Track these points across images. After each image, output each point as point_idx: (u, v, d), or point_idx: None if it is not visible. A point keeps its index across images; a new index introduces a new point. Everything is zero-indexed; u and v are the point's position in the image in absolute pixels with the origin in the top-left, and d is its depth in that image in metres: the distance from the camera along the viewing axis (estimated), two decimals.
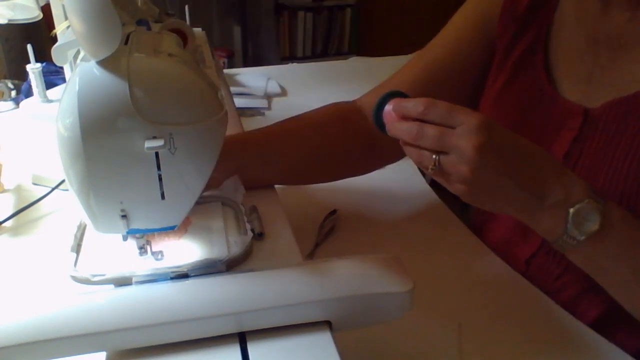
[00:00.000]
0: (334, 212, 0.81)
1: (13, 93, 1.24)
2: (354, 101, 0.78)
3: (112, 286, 0.44)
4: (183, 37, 0.51)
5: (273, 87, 1.36)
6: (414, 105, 0.49)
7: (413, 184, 0.93)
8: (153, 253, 0.47)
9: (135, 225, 0.42)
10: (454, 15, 0.75)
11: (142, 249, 0.46)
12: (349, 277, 0.45)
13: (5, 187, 0.84)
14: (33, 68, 0.83)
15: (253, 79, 1.40)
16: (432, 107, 0.48)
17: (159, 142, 0.37)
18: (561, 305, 0.64)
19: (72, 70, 0.75)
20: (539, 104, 0.65)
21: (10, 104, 1.21)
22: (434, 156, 0.48)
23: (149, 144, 0.37)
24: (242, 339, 0.42)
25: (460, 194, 0.50)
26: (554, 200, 0.48)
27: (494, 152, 0.47)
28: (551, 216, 0.49)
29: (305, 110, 0.77)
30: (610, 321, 0.62)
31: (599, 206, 0.48)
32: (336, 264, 0.46)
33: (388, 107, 0.52)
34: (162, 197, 0.41)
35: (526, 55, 0.67)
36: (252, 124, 1.17)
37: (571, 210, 0.48)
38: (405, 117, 0.50)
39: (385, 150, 0.76)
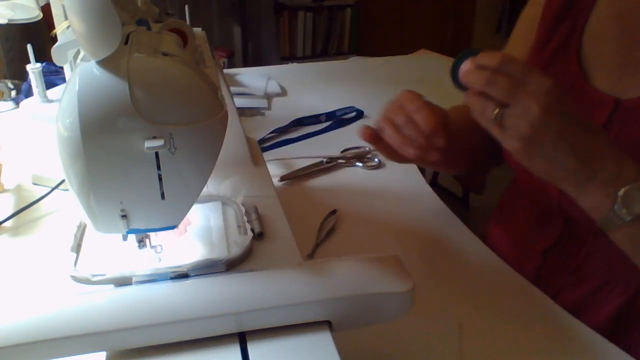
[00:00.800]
0: (334, 212, 0.81)
1: (13, 93, 1.24)
2: None
3: (112, 286, 0.44)
4: (183, 37, 0.50)
5: (273, 87, 1.36)
6: (490, 59, 0.50)
7: (413, 184, 0.93)
8: (153, 246, 0.47)
9: (135, 225, 0.42)
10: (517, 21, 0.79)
11: (142, 242, 0.46)
12: (349, 277, 0.45)
13: (5, 187, 0.84)
14: (33, 68, 0.83)
15: (253, 79, 1.40)
16: (508, 63, 0.49)
17: (159, 142, 0.37)
18: (576, 300, 0.64)
19: (72, 70, 0.75)
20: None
21: (10, 104, 1.21)
22: (496, 109, 0.48)
23: (149, 144, 0.37)
24: (242, 339, 0.42)
25: (513, 150, 0.50)
26: (605, 175, 0.49)
27: (558, 115, 0.48)
28: (600, 192, 0.49)
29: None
30: (625, 318, 0.62)
31: None
32: (336, 264, 0.46)
33: (465, 63, 0.52)
34: (162, 197, 0.41)
35: (560, 47, 0.68)
36: (252, 124, 1.17)
37: (622, 189, 0.48)
38: (480, 69, 0.51)
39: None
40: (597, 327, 0.60)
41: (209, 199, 0.57)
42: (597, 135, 0.50)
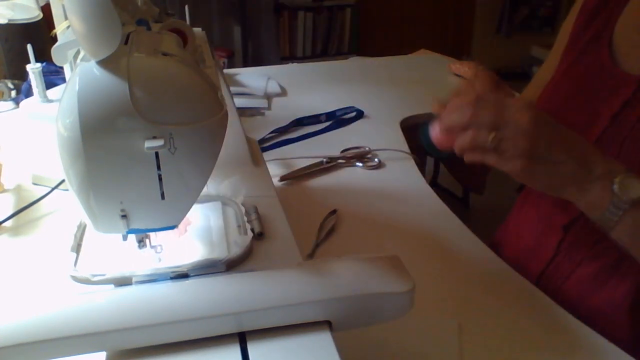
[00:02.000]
0: (334, 212, 0.81)
1: (13, 93, 1.24)
2: None
3: (112, 286, 0.44)
4: (183, 37, 0.50)
5: (273, 87, 1.36)
6: (464, 97, 0.54)
7: (413, 184, 0.93)
8: (153, 246, 0.47)
9: (135, 225, 0.42)
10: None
11: (142, 242, 0.46)
12: (349, 277, 0.45)
13: (5, 187, 0.84)
14: (33, 68, 0.83)
15: (253, 79, 1.40)
16: (483, 94, 0.53)
17: (159, 142, 0.37)
18: (597, 273, 0.66)
19: (72, 70, 0.75)
20: (597, 78, 0.70)
21: (10, 104, 1.21)
22: (490, 135, 0.51)
23: (149, 144, 0.37)
24: (242, 339, 0.42)
25: (517, 170, 0.52)
26: (599, 170, 0.52)
27: (548, 125, 0.52)
28: (598, 187, 0.52)
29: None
30: None
31: (637, 177, 0.52)
32: (336, 264, 0.46)
33: (434, 126, 0.56)
34: (162, 197, 0.41)
35: (594, 39, 0.73)
36: (252, 124, 1.17)
37: (616, 179, 0.51)
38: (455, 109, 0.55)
39: None
40: (617, 301, 0.63)
41: (209, 199, 0.57)
42: (581, 138, 0.54)
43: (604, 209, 0.52)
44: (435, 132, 0.56)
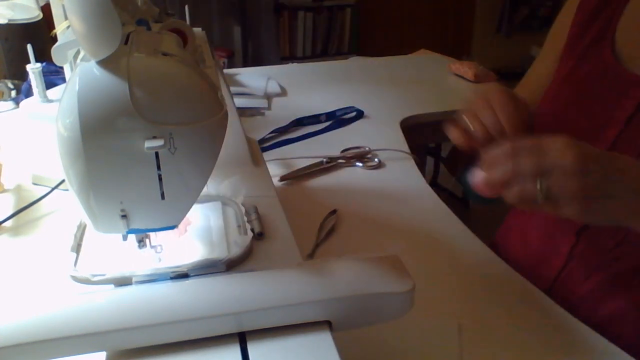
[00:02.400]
0: (334, 212, 0.81)
1: (13, 93, 1.24)
2: None
3: (112, 286, 0.44)
4: (183, 37, 0.50)
5: (273, 87, 1.36)
6: (500, 150, 0.50)
7: (413, 184, 0.93)
8: (153, 246, 0.47)
9: (135, 225, 0.42)
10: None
11: (142, 242, 0.46)
12: (349, 277, 0.45)
13: (5, 187, 0.84)
14: (33, 68, 0.83)
15: (253, 79, 1.40)
16: (517, 143, 0.49)
17: (159, 142, 0.37)
18: (609, 281, 0.66)
19: (72, 70, 0.75)
20: (603, 81, 0.69)
21: (10, 104, 1.21)
22: (538, 185, 0.48)
23: (149, 144, 0.37)
24: (242, 339, 0.42)
25: (575, 213, 0.48)
26: None
27: (592, 159, 0.47)
28: None
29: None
30: None
31: None
32: (336, 264, 0.46)
33: (473, 174, 0.52)
34: (162, 197, 0.41)
35: (595, 41, 0.71)
36: (252, 124, 1.17)
37: None
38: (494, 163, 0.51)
39: None
40: (633, 308, 0.63)
41: (209, 199, 0.57)
42: (628, 158, 0.50)
43: None
44: (476, 181, 0.52)
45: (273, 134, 1.11)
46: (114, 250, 0.48)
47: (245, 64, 3.04)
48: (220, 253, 0.48)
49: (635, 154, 0.63)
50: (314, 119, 1.18)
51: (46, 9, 0.89)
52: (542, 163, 0.47)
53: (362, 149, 1.01)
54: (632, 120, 0.65)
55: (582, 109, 0.70)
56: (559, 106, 0.74)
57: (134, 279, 0.44)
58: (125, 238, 0.45)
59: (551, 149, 0.48)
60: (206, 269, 0.45)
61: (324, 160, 0.97)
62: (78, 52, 0.51)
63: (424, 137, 1.41)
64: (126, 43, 0.39)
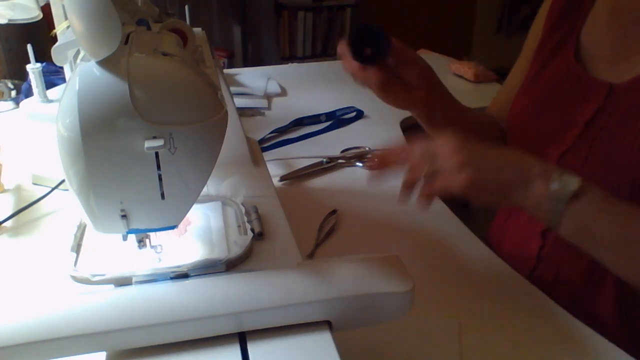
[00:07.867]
0: (334, 212, 0.81)
1: (13, 93, 1.24)
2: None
3: (112, 286, 0.44)
4: (183, 37, 0.50)
5: (273, 87, 1.36)
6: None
7: None
8: (153, 246, 0.47)
9: (135, 225, 0.42)
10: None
11: (142, 242, 0.46)
12: (349, 277, 0.45)
13: (5, 187, 0.84)
14: (33, 68, 0.83)
15: (253, 79, 1.40)
16: (410, 146, 0.57)
17: (159, 142, 0.37)
18: (577, 278, 0.68)
19: (72, 70, 0.75)
20: (566, 83, 0.71)
21: (10, 104, 1.21)
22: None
23: (149, 144, 0.37)
24: (242, 339, 0.42)
25: (464, 183, 0.53)
26: (537, 171, 0.54)
27: (474, 140, 0.55)
28: (539, 185, 0.54)
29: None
30: None
31: (572, 173, 0.54)
32: (336, 264, 0.46)
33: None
34: (162, 197, 0.41)
35: (560, 44, 0.73)
36: (252, 124, 1.17)
37: (554, 175, 0.53)
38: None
39: None
40: (605, 304, 0.65)
41: (209, 199, 0.57)
42: (509, 147, 0.57)
43: (546, 205, 0.53)
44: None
45: (273, 134, 1.11)
46: (114, 250, 0.48)
47: (245, 64, 3.04)
48: (220, 253, 0.48)
49: (593, 158, 0.65)
50: (314, 119, 1.18)
51: (46, 9, 0.89)
52: (428, 149, 0.56)
53: (362, 149, 1.01)
54: (590, 123, 0.67)
55: (547, 110, 0.72)
56: (529, 105, 0.76)
57: (134, 279, 0.44)
58: (125, 238, 0.45)
59: (436, 140, 0.56)
60: (206, 269, 0.45)
61: (324, 160, 0.97)
62: (78, 52, 0.51)
63: (424, 137, 1.40)
64: (126, 43, 0.39)
